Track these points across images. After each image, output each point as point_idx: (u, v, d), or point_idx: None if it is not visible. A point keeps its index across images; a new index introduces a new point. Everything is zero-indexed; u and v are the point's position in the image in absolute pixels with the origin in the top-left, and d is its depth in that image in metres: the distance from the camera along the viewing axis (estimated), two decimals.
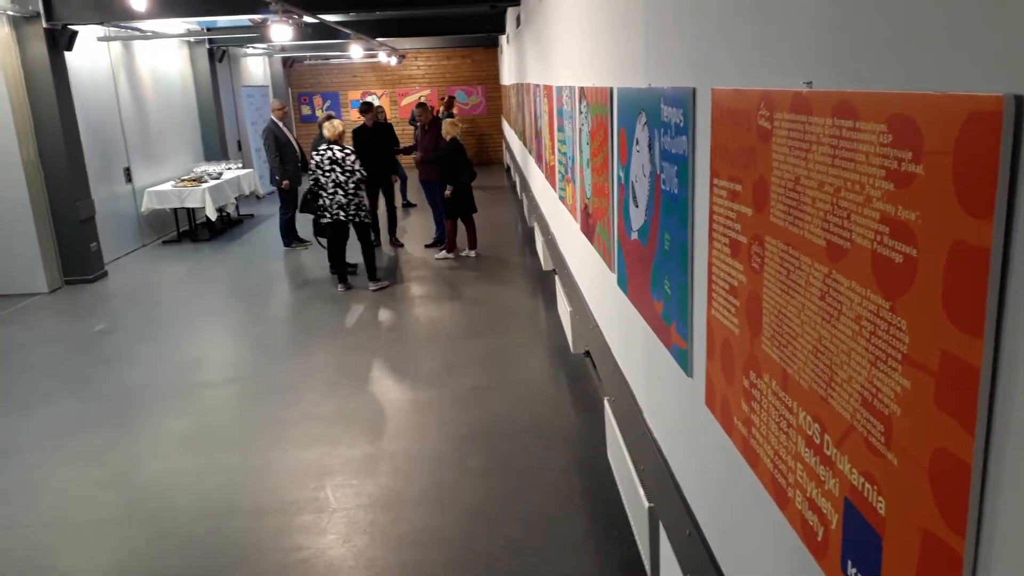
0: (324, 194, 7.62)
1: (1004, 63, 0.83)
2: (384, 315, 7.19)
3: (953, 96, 0.89)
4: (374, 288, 7.87)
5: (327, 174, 7.60)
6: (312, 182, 7.73)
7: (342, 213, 7.63)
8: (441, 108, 13.14)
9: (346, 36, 11.54)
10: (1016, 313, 0.83)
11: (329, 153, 7.61)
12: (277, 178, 9.71)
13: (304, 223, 9.80)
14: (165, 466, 4.39)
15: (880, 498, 1.10)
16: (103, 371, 5.96)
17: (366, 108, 9.70)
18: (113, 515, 3.90)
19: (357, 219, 7.67)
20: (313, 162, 7.66)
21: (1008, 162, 0.81)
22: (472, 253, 9.12)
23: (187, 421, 4.97)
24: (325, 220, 7.71)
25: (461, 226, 9.11)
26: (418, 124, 10.30)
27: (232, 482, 4.16)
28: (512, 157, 13.93)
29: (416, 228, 10.82)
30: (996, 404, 0.87)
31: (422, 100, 10.65)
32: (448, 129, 8.79)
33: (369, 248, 7.87)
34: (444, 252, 9.19)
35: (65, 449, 4.64)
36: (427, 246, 9.75)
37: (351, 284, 8.04)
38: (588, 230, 4.02)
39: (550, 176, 6.25)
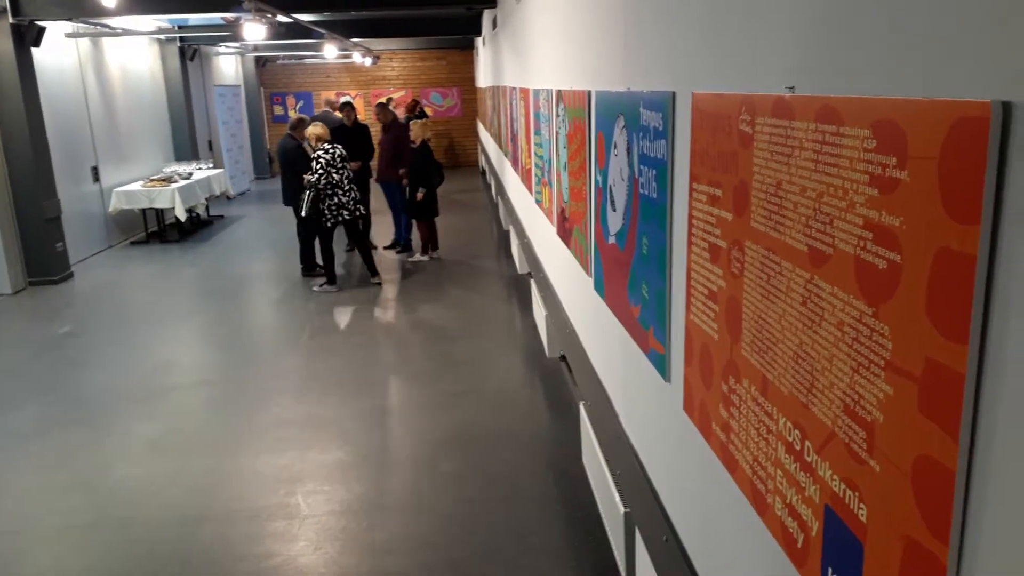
0: (341, 192, 7.60)
1: (991, 69, 0.82)
2: (357, 318, 7.13)
3: (940, 102, 0.88)
4: (377, 281, 8.07)
5: (340, 171, 7.58)
6: (324, 184, 7.52)
7: (362, 208, 7.78)
8: (404, 111, 12.97)
9: (320, 36, 11.44)
10: (1001, 320, 0.83)
11: (336, 151, 7.60)
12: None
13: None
14: (133, 471, 4.29)
15: (862, 505, 1.10)
16: (69, 374, 5.83)
17: (347, 106, 9.61)
18: (80, 521, 3.81)
19: (367, 213, 7.84)
20: (322, 163, 7.49)
21: (995, 168, 0.81)
22: (425, 257, 9.11)
23: (155, 425, 4.88)
24: (344, 218, 7.67)
25: (421, 226, 9.08)
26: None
27: (201, 487, 4.08)
28: (488, 160, 13.91)
29: (378, 229, 10.71)
30: (981, 411, 0.86)
31: (381, 100, 10.40)
32: (419, 132, 8.74)
33: (368, 244, 8.13)
34: (418, 255, 9.15)
35: (30, 454, 4.53)
36: (386, 248, 9.69)
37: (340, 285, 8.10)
38: (565, 234, 4.02)
39: (526, 180, 6.24)
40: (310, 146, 7.89)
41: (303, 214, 7.67)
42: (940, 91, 0.91)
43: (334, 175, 7.56)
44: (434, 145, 11.39)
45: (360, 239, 8.07)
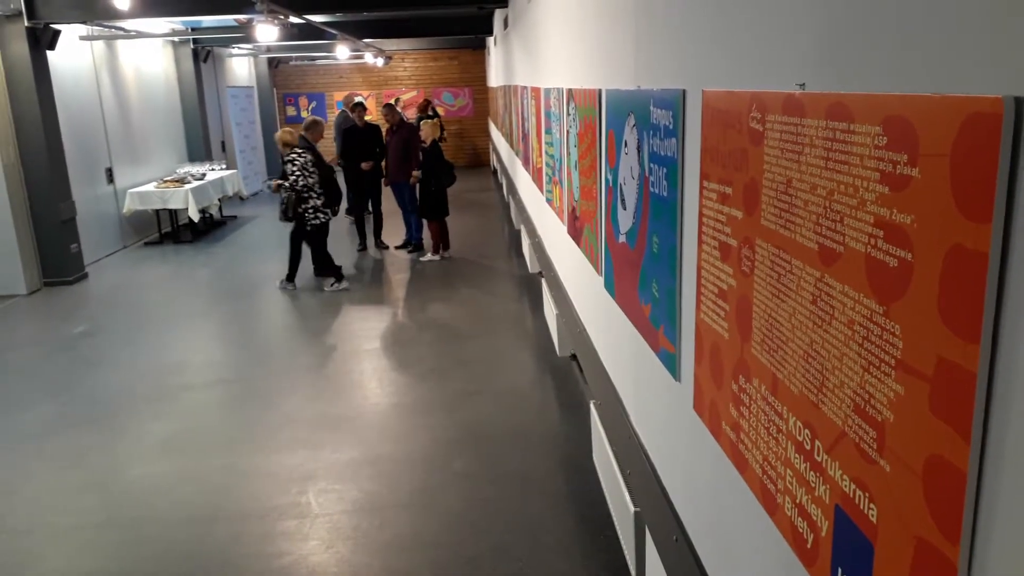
0: (315, 195, 7.64)
1: (1003, 64, 0.81)
2: (368, 318, 7.15)
3: (951, 98, 0.87)
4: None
5: (312, 174, 7.63)
6: (301, 187, 7.56)
7: (332, 210, 7.81)
8: (417, 112, 12.99)
9: (332, 37, 11.48)
10: (1014, 318, 0.82)
11: (308, 155, 7.68)
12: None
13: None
14: (146, 470, 4.32)
15: (872, 505, 1.09)
16: (83, 374, 5.88)
17: (358, 106, 9.64)
18: (92, 520, 3.84)
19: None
20: (298, 165, 7.53)
21: (1007, 165, 0.80)
22: (436, 257, 9.11)
23: (168, 425, 4.91)
24: (320, 221, 7.73)
25: (432, 225, 9.07)
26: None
27: (214, 487, 4.10)
28: (499, 159, 13.91)
29: (390, 229, 10.74)
30: (992, 411, 0.85)
31: (389, 102, 10.44)
32: (429, 132, 8.77)
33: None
34: (430, 255, 9.16)
35: (44, 453, 4.57)
36: (397, 248, 9.72)
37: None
38: (575, 233, 4.01)
39: (537, 179, 6.24)
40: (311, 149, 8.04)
41: (288, 217, 7.73)
42: (952, 87, 0.90)
43: (309, 178, 7.62)
44: (448, 145, 11.37)
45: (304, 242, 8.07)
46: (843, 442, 1.16)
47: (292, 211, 7.62)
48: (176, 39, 12.73)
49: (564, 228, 4.49)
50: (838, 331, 1.16)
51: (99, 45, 10.29)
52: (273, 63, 18.37)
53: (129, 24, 10.21)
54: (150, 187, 10.82)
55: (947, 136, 0.88)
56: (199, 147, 13.45)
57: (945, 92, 0.89)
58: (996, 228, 0.81)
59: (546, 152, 5.32)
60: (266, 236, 11.13)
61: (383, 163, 9.58)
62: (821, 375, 1.22)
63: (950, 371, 0.90)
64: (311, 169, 7.61)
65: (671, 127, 2.02)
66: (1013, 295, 0.81)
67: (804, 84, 1.26)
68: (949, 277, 0.89)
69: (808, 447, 1.28)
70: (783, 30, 1.35)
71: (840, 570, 1.19)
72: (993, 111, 0.80)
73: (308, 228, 7.72)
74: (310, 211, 7.65)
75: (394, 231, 10.22)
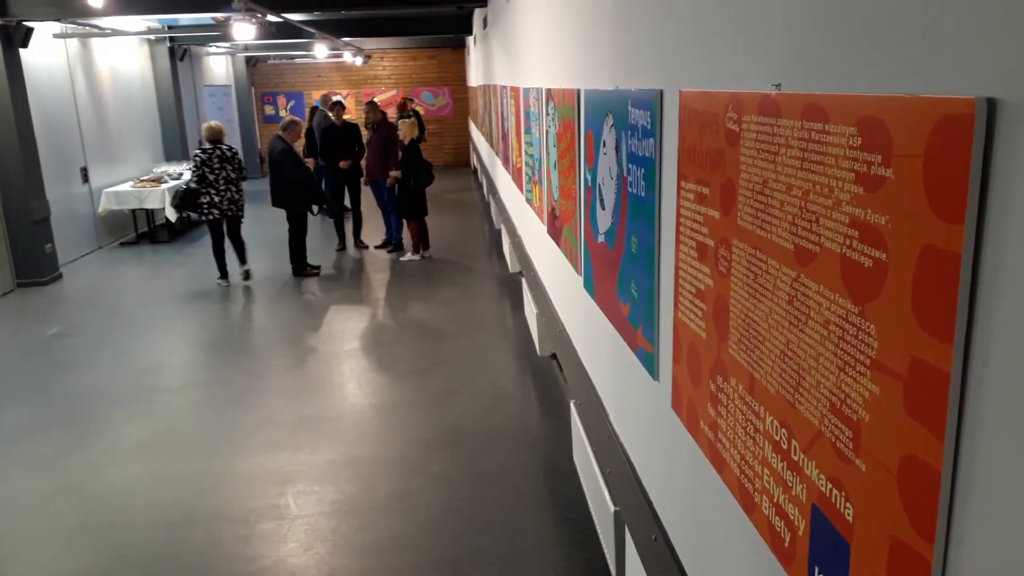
0: (214, 191, 7.89)
1: (975, 65, 0.82)
2: (347, 318, 7.11)
3: (924, 99, 0.88)
4: (247, 281, 8.30)
5: (216, 171, 7.86)
6: (196, 180, 7.94)
7: (235, 208, 8.05)
8: (396, 112, 12.92)
9: (311, 35, 11.40)
10: (986, 319, 0.82)
11: (218, 152, 7.89)
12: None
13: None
14: (121, 473, 4.27)
15: (848, 504, 1.09)
16: (57, 376, 5.80)
17: (336, 105, 9.60)
18: (67, 524, 3.78)
19: (241, 214, 8.17)
20: (196, 162, 7.87)
21: (980, 166, 0.80)
22: (416, 256, 9.09)
23: (144, 427, 4.85)
24: (215, 216, 8.00)
25: (412, 225, 9.05)
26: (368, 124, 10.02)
27: (190, 490, 4.06)
28: (479, 159, 13.90)
29: (369, 228, 10.69)
30: (966, 410, 0.86)
31: (372, 100, 10.40)
32: (407, 131, 8.74)
33: (240, 238, 8.28)
34: (409, 254, 9.13)
35: (17, 457, 4.50)
36: (376, 247, 9.69)
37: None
38: (555, 232, 4.01)
39: (517, 178, 6.23)
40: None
41: (172, 205, 8.15)
42: (925, 88, 0.90)
43: (208, 175, 7.87)
44: (428, 144, 11.30)
45: (234, 235, 8.24)
46: (819, 442, 1.17)
47: (181, 203, 8.11)
48: (152, 37, 12.59)
49: (544, 228, 4.49)
50: (814, 331, 1.16)
51: (73, 43, 10.15)
52: (251, 62, 18.21)
53: (104, 22, 10.08)
54: (126, 186, 10.69)
55: (920, 137, 0.88)
56: (176, 146, 13.31)
57: (918, 93, 0.90)
58: (969, 229, 0.82)
59: (526, 152, 5.31)
60: (245, 236, 11.04)
61: (362, 162, 9.54)
62: (797, 375, 1.23)
63: (924, 371, 0.90)
64: (215, 165, 7.86)
65: (649, 127, 2.02)
66: (986, 295, 0.82)
67: (780, 84, 1.27)
68: (923, 277, 0.89)
69: (785, 446, 1.29)
70: (760, 30, 1.36)
71: (817, 569, 1.20)
72: (966, 112, 0.81)
73: (202, 220, 8.12)
74: (205, 205, 7.94)
75: (373, 231, 10.18)
